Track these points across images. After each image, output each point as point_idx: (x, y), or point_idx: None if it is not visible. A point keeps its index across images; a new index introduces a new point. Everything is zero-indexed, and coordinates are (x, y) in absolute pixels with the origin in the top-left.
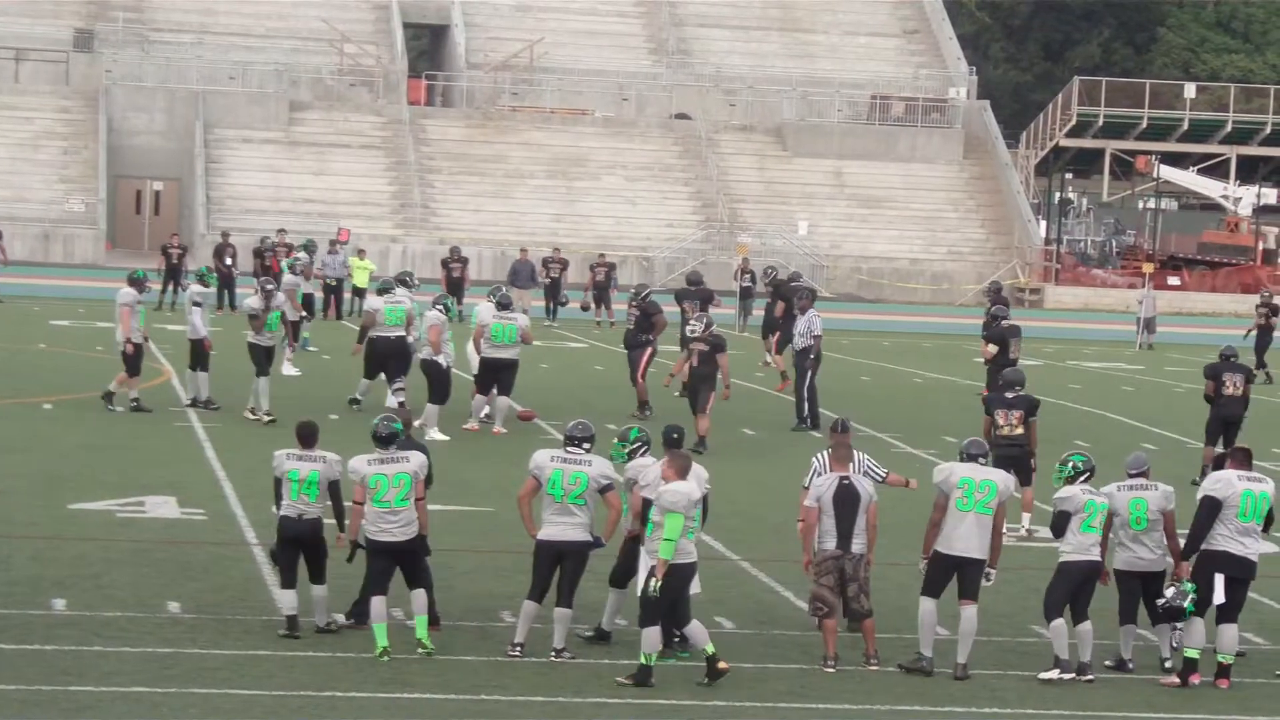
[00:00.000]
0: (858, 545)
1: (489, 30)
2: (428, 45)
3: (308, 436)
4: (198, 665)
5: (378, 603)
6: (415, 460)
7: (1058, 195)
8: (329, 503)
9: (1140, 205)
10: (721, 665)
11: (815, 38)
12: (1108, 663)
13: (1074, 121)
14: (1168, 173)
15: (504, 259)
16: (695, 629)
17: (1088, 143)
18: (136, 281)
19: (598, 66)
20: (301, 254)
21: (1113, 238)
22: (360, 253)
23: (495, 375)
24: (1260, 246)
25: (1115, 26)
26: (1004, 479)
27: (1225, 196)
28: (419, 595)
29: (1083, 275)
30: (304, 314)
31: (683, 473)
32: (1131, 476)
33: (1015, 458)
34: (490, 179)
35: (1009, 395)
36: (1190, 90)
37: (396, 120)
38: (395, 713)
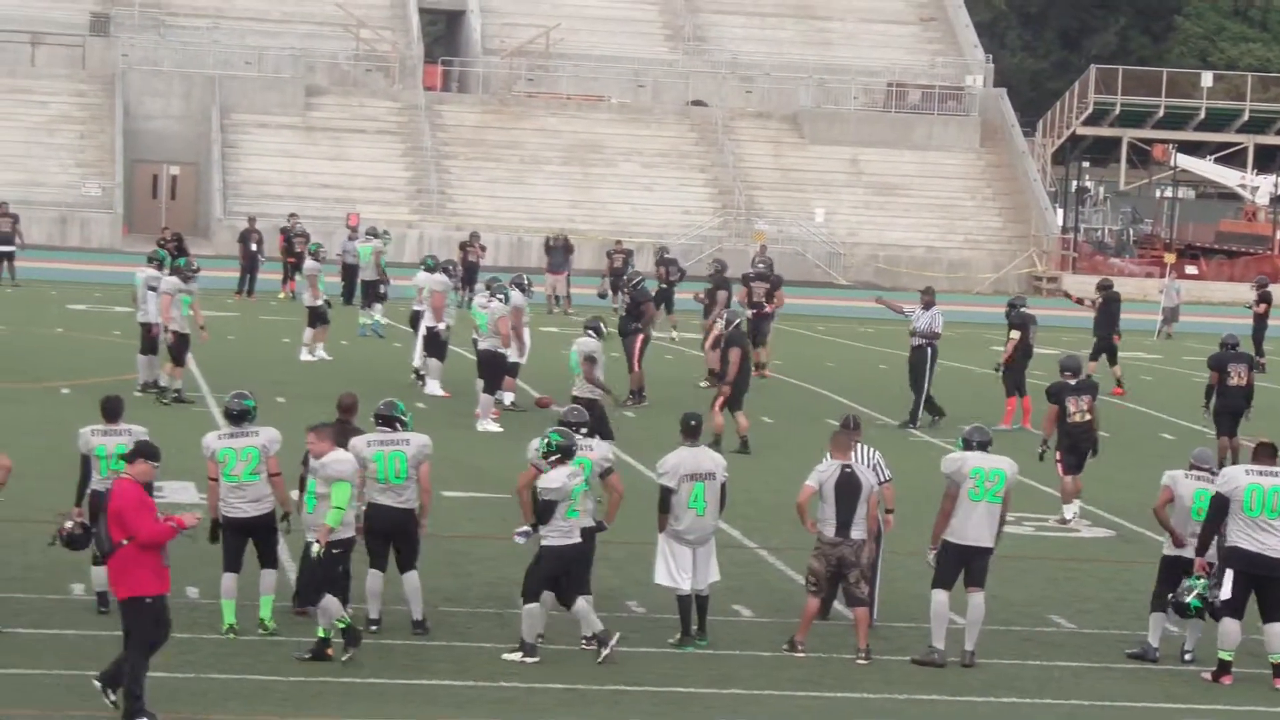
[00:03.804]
0: (857, 532)
1: (504, 16)
2: (443, 31)
3: (112, 411)
4: (215, 651)
5: (228, 579)
6: (265, 435)
7: (1074, 184)
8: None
9: (1157, 194)
10: (329, 651)
11: (831, 25)
12: (1129, 651)
13: (1090, 110)
14: (1185, 161)
15: (520, 245)
16: (331, 602)
17: (1104, 131)
18: (178, 270)
19: (613, 53)
20: (378, 241)
21: (1130, 226)
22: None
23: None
24: (1278, 235)
25: (1132, 15)
26: (1011, 467)
27: (1243, 185)
28: (268, 575)
29: (1100, 264)
30: (324, 301)
31: (332, 441)
32: (1195, 469)
33: (1083, 444)
34: (506, 165)
35: (1073, 382)
36: (1207, 79)
37: (412, 106)
38: (413, 699)
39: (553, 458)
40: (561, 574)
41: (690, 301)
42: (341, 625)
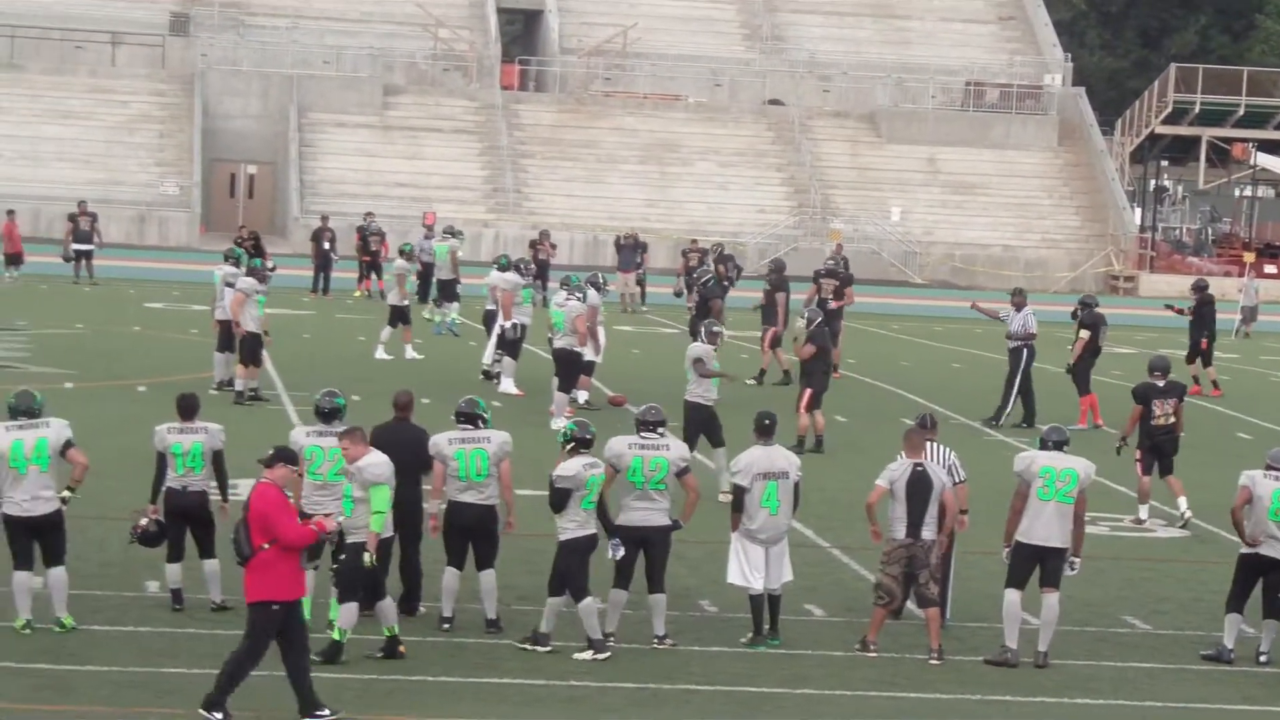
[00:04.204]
0: (928, 533)
1: (582, 15)
2: (521, 30)
3: (188, 409)
4: None
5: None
6: None
7: (1153, 183)
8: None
9: (1236, 193)
10: (401, 649)
11: (910, 24)
12: (1204, 653)
13: (1170, 109)
14: (1265, 160)
15: (596, 244)
16: (386, 605)
17: (1184, 130)
18: (254, 271)
19: (691, 52)
20: (455, 240)
21: (1208, 226)
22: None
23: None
24: None
25: (1212, 14)
26: (1085, 467)
27: None
28: None
29: (1178, 263)
30: (406, 302)
31: (367, 444)
32: (1271, 469)
33: (1165, 446)
34: (583, 164)
35: (1161, 384)
36: None
37: (489, 105)
38: (484, 697)
39: (568, 446)
40: (579, 565)
41: (744, 300)
42: (335, 637)
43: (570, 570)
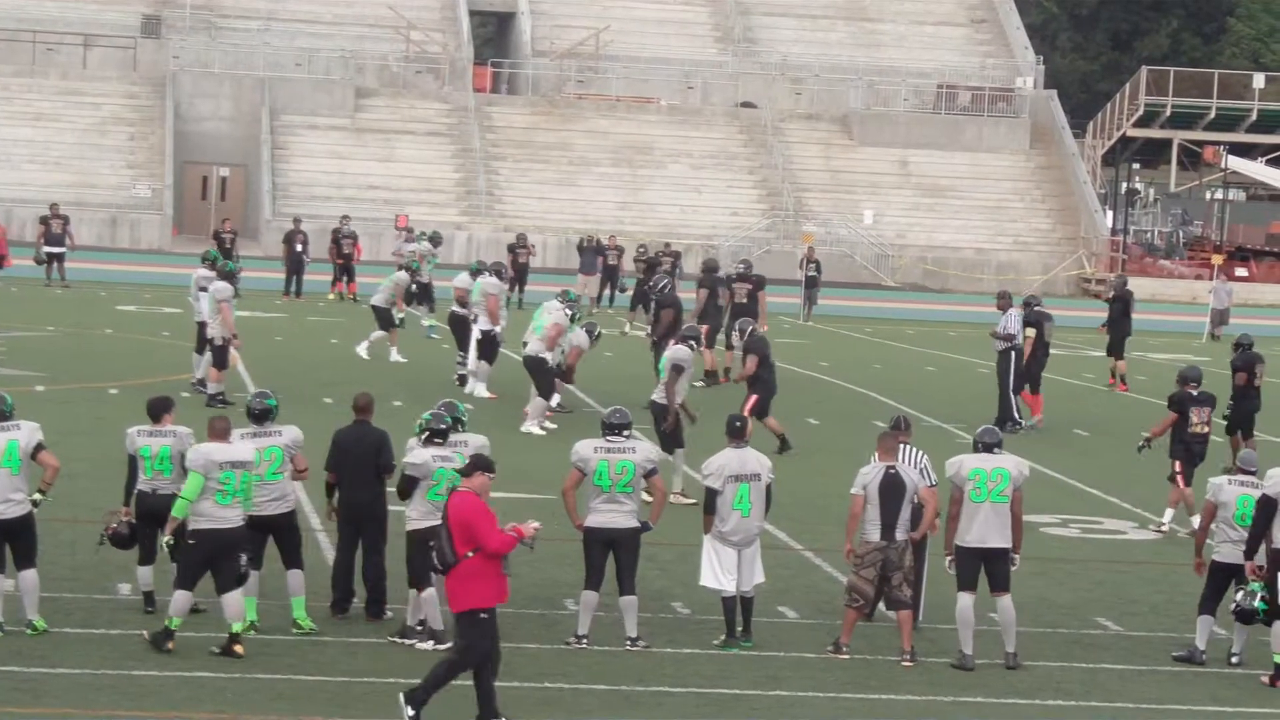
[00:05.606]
0: (901, 534)
1: (555, 18)
2: (493, 32)
3: (157, 412)
4: (261, 651)
5: (251, 576)
6: (288, 435)
7: (1124, 185)
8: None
9: (1208, 196)
10: (238, 648)
11: (882, 27)
12: (1176, 654)
13: (1141, 112)
14: (1236, 163)
15: (568, 246)
16: (232, 599)
17: (1155, 133)
18: (229, 275)
19: (663, 54)
20: (425, 243)
21: (1179, 228)
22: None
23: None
24: None
25: (1184, 16)
26: (1016, 465)
27: None
28: (295, 576)
29: (1149, 266)
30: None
31: (221, 435)
32: (1241, 472)
33: (1201, 454)
34: (555, 166)
35: (1195, 393)
36: (1259, 80)
37: (462, 107)
38: (459, 700)
39: (423, 435)
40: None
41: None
42: (167, 623)
43: (416, 559)
